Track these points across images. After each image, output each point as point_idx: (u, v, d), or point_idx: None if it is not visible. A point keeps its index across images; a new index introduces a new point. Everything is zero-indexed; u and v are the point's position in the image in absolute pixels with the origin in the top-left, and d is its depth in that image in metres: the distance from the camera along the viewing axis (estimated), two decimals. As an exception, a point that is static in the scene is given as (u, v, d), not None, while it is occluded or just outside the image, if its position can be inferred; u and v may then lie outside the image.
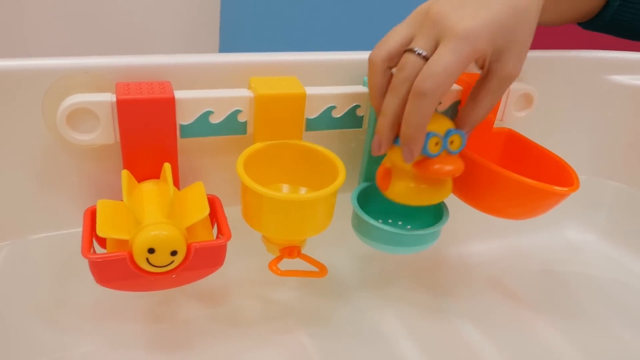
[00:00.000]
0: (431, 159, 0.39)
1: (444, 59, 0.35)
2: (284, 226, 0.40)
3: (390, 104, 0.38)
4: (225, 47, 1.50)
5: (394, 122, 0.39)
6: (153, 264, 0.36)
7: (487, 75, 0.39)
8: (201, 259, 0.38)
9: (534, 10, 0.39)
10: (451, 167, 0.39)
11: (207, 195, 0.41)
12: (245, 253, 0.46)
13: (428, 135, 0.38)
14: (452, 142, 0.39)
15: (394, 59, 0.39)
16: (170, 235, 0.35)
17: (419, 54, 0.36)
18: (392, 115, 0.38)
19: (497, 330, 0.48)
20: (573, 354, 0.47)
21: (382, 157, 0.42)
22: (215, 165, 0.45)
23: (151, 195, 0.39)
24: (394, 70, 0.39)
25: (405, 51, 0.37)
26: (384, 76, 0.39)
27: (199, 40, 1.58)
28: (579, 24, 0.55)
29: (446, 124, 0.39)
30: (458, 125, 0.40)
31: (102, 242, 0.40)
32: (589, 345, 0.48)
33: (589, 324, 0.50)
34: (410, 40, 0.38)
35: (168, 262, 0.36)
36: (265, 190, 0.38)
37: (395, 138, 0.40)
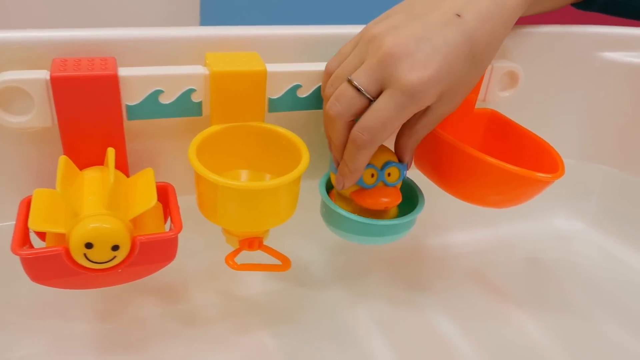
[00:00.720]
0: (367, 190, 0.39)
1: (384, 114, 0.34)
2: (242, 217, 0.37)
3: (330, 134, 0.37)
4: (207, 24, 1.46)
5: (339, 149, 0.38)
6: (92, 260, 0.33)
7: (426, 112, 0.37)
8: (148, 253, 0.35)
9: (492, 49, 0.37)
10: (386, 199, 0.39)
11: (159, 183, 0.39)
12: (206, 245, 0.43)
13: None
14: (389, 175, 0.39)
15: None
16: (111, 229, 0.32)
17: (358, 90, 0.35)
18: (333, 144, 0.38)
19: (478, 326, 0.46)
20: (559, 350, 0.44)
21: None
22: (169, 150, 0.42)
23: (93, 184, 0.36)
24: None
25: (347, 79, 0.35)
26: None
27: (178, 18, 1.54)
28: (573, 4, 0.51)
29: (385, 156, 0.39)
30: (398, 154, 0.40)
31: (43, 235, 0.37)
32: (576, 340, 0.45)
33: (577, 317, 0.48)
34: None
35: (109, 258, 0.33)
36: (220, 179, 0.35)
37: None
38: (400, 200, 0.40)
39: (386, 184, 0.39)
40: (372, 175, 0.39)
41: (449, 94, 0.36)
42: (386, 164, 0.39)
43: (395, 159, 0.40)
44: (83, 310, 0.42)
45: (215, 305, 0.44)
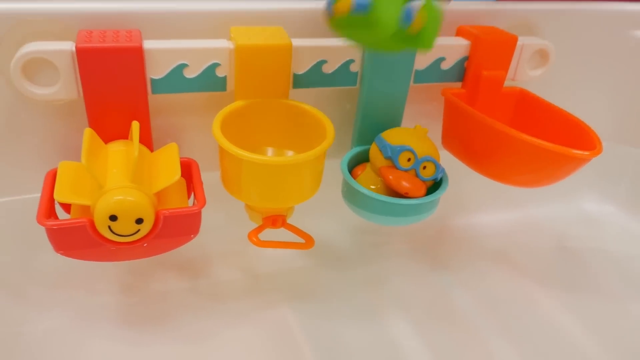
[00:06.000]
0: (396, 170, 0.39)
1: None
2: (265, 193, 0.36)
3: None
4: None
5: None
6: (116, 232, 0.33)
7: None
8: (172, 227, 0.34)
9: None
10: (408, 185, 0.39)
11: (183, 158, 0.38)
12: (229, 222, 0.43)
13: (401, 148, 0.39)
14: (424, 168, 0.39)
15: None
16: (135, 202, 0.32)
17: None
18: None
19: (502, 309, 0.45)
20: (584, 336, 0.43)
21: (377, 119, 0.41)
22: (193, 125, 0.42)
23: (117, 157, 0.36)
24: None
25: None
26: None
27: None
28: None
29: (429, 149, 0.39)
30: None
31: (68, 208, 0.37)
32: (602, 327, 0.44)
33: (604, 302, 0.47)
34: None
35: (133, 231, 0.33)
36: (245, 153, 0.34)
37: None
38: (422, 194, 0.39)
39: (417, 175, 0.39)
40: (409, 160, 0.39)
41: None
42: (426, 157, 0.39)
43: (437, 157, 0.40)
44: (107, 282, 0.42)
45: (237, 281, 0.44)
